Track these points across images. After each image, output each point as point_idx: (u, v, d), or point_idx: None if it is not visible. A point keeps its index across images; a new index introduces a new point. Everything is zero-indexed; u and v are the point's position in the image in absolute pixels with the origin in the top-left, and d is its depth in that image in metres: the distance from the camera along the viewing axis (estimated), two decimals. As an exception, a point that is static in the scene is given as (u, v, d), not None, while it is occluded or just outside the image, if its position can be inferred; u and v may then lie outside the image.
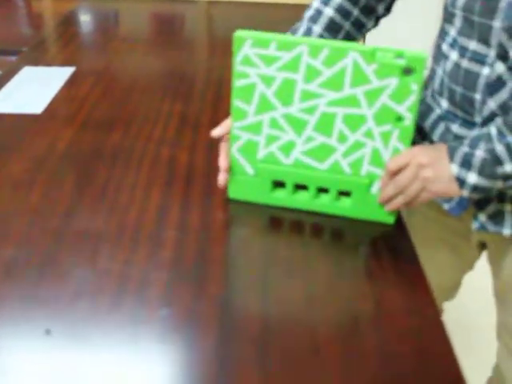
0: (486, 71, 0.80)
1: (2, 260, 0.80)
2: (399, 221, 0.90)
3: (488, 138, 0.76)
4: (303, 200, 0.90)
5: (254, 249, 0.84)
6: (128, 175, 1.00)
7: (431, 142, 0.93)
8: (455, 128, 0.87)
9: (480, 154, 0.75)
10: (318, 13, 0.95)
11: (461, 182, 0.77)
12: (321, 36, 0.93)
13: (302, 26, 0.96)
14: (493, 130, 0.76)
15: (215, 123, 1.18)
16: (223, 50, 1.63)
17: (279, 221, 0.90)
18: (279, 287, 0.77)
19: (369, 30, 0.99)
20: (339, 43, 0.78)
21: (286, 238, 0.86)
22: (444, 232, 1.03)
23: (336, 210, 0.89)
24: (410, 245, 0.86)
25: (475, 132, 0.81)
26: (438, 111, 0.91)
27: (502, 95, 0.80)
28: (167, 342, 0.68)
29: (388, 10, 0.99)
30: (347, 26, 0.95)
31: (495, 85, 0.81)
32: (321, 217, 0.91)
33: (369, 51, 0.77)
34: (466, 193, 0.78)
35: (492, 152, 0.75)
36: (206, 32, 1.81)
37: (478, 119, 0.83)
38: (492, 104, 0.81)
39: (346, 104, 0.81)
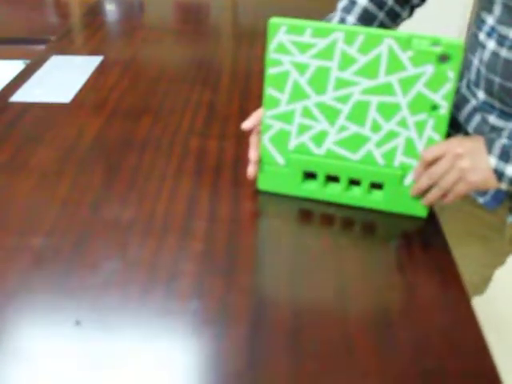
0: None
1: (31, 250, 0.80)
2: (431, 215, 0.88)
3: None
4: (334, 192, 0.88)
5: (284, 240, 0.82)
6: (157, 165, 0.99)
7: (466, 133, 0.90)
8: (492, 119, 0.85)
9: None
10: (352, 3, 0.93)
11: (499, 175, 0.74)
12: None
13: (336, 17, 0.94)
14: None
15: (244, 114, 1.17)
16: (249, 40, 1.61)
17: (309, 213, 0.88)
18: (310, 279, 0.76)
19: (403, 19, 0.96)
20: (375, 30, 0.76)
21: (316, 229, 0.85)
22: (477, 226, 1.01)
23: (367, 202, 0.88)
24: (442, 239, 0.84)
25: None
26: (473, 102, 0.88)
27: None
28: (198, 334, 0.68)
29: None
30: (381, 15, 0.93)
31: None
32: (352, 210, 0.89)
33: (404, 38, 0.75)
34: (504, 186, 0.75)
35: None
36: (232, 21, 1.79)
37: None
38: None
39: (380, 92, 0.79)
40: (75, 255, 0.79)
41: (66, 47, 1.52)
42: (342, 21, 0.92)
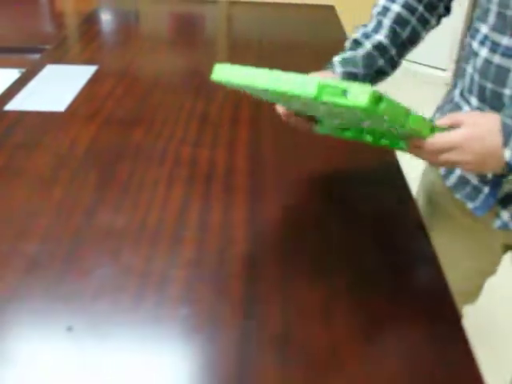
0: None
1: (25, 256, 0.81)
2: (420, 222, 0.90)
3: None
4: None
5: (274, 247, 0.83)
6: (150, 173, 1.00)
7: None
8: None
9: None
10: (386, 9, 0.96)
11: (510, 168, 0.73)
12: (392, 29, 0.95)
13: (373, 22, 0.97)
14: None
15: (236, 123, 1.18)
16: (243, 51, 1.63)
17: (301, 220, 0.89)
18: (299, 286, 0.77)
19: (432, 27, 0.99)
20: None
21: (306, 236, 0.86)
22: (466, 234, 1.03)
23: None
24: (430, 247, 0.85)
25: None
26: (466, 109, 0.90)
27: None
28: (188, 341, 0.69)
29: (448, 9, 0.99)
30: (413, 21, 0.96)
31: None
32: (336, 205, 0.90)
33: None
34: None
35: None
36: (226, 32, 1.81)
37: None
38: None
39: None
40: (68, 262, 0.80)
41: (61, 56, 1.54)
42: (379, 23, 0.96)
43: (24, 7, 2.02)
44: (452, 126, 0.75)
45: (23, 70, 1.45)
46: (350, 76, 0.94)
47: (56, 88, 1.33)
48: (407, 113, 0.68)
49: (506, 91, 0.81)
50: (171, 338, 0.69)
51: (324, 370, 0.65)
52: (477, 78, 0.86)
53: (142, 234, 0.86)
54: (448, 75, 3.58)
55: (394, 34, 0.95)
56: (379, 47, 0.95)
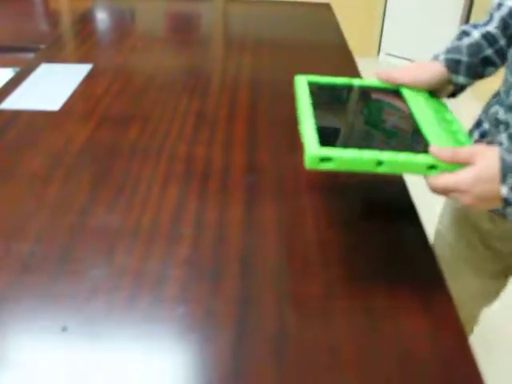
0: None
1: (18, 255, 0.80)
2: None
3: None
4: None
5: (270, 248, 0.83)
6: (145, 172, 1.00)
7: None
8: None
9: None
10: (499, 5, 0.94)
11: (509, 203, 0.71)
12: (503, 20, 0.93)
13: (485, 18, 0.95)
14: None
15: (232, 121, 1.18)
16: (239, 49, 1.62)
17: (298, 218, 0.89)
18: (296, 285, 0.76)
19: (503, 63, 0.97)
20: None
21: (303, 235, 0.85)
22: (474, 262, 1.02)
23: None
24: (430, 251, 0.85)
25: None
26: None
27: None
28: (183, 341, 0.68)
29: None
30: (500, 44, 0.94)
31: None
32: (347, 216, 0.90)
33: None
34: (510, 211, 0.74)
35: None
36: (223, 30, 1.80)
37: None
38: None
39: None
40: (62, 262, 0.79)
41: (55, 55, 1.53)
42: (491, 17, 0.94)
43: (18, 6, 2.01)
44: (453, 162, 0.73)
45: (17, 69, 1.44)
46: (454, 63, 0.91)
47: (50, 87, 1.33)
48: (377, 161, 0.72)
49: None
50: (167, 337, 0.68)
51: (321, 370, 0.65)
52: None
53: (137, 233, 0.85)
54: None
55: (504, 25, 0.92)
56: (487, 37, 0.92)
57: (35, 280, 0.76)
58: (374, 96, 0.90)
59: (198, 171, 1.00)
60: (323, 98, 0.89)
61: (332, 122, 0.82)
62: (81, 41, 1.65)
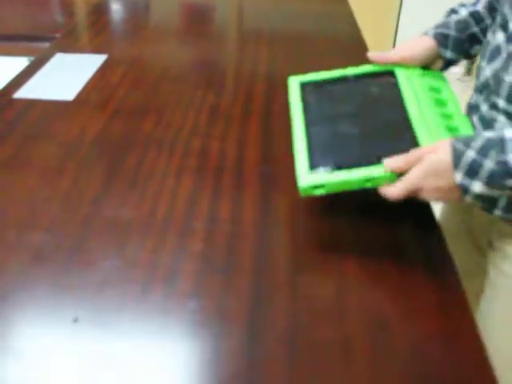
0: (495, 40, 0.83)
1: (31, 246, 0.80)
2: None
3: (501, 146, 0.68)
4: None
5: (284, 242, 0.82)
6: (159, 164, 0.99)
7: None
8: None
9: (489, 165, 0.68)
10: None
11: (464, 190, 0.71)
12: (490, 1, 0.95)
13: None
14: (507, 135, 0.68)
15: (247, 115, 1.17)
16: (255, 42, 1.61)
17: (312, 214, 0.88)
18: (309, 281, 0.75)
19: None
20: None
21: (318, 232, 0.84)
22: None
23: None
24: (444, 249, 0.84)
25: (487, 134, 0.71)
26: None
27: (496, 64, 0.80)
28: (195, 336, 0.67)
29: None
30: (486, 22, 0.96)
31: (493, 52, 0.82)
32: (352, 218, 0.89)
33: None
34: (468, 199, 0.73)
35: (503, 164, 0.67)
36: (238, 22, 1.79)
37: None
38: (488, 71, 0.82)
39: None
40: (74, 253, 0.79)
41: (70, 45, 1.52)
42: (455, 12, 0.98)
43: (34, -5, 2.01)
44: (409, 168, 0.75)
45: (32, 59, 1.44)
46: (442, 37, 0.94)
47: (65, 76, 1.32)
48: (364, 181, 0.77)
49: (482, 63, 0.84)
50: (178, 331, 0.68)
51: (334, 367, 0.64)
52: None
53: (149, 225, 0.84)
54: (461, 70, 3.54)
55: (490, 7, 0.95)
56: (474, 15, 0.95)
57: (46, 270, 0.76)
58: (367, 86, 0.93)
59: (211, 165, 0.99)
60: (315, 99, 0.93)
61: (323, 127, 0.87)
62: (96, 31, 1.64)
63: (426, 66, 0.96)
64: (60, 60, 1.42)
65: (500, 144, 0.68)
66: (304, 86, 0.96)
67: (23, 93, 1.24)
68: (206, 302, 0.72)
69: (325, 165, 0.80)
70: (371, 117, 0.86)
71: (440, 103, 0.89)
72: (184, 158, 1.01)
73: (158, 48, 1.53)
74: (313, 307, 0.72)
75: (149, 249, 0.80)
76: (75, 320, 0.69)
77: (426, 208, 0.90)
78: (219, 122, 1.14)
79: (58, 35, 1.62)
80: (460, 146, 0.71)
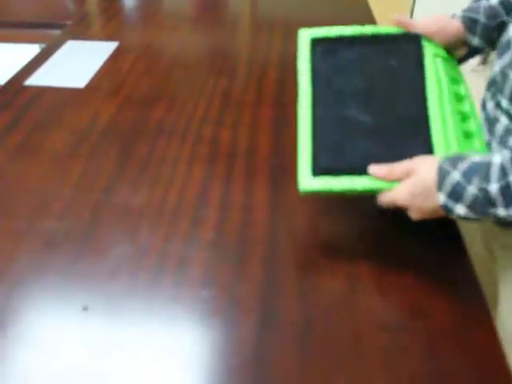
0: (507, 33, 0.78)
1: (42, 233, 0.79)
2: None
3: (486, 173, 0.65)
4: None
5: (296, 231, 0.81)
6: (170, 152, 0.98)
7: None
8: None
9: (472, 190, 0.66)
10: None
11: (448, 210, 0.69)
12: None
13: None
14: (495, 162, 0.65)
15: (259, 103, 1.15)
16: (268, 30, 1.59)
17: (323, 203, 0.87)
18: (321, 272, 0.74)
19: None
20: None
21: (330, 221, 0.83)
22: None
23: None
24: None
25: (476, 157, 0.68)
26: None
27: (505, 59, 0.76)
28: (206, 324, 0.67)
29: None
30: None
31: (504, 47, 0.77)
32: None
33: None
34: (454, 217, 0.71)
35: (485, 192, 0.65)
36: (250, 10, 1.77)
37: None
38: (497, 66, 0.78)
39: None
40: (85, 240, 0.78)
41: (82, 32, 1.51)
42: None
43: (46, -18, 2.00)
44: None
45: (44, 46, 1.43)
46: (471, 22, 0.87)
47: (76, 64, 1.31)
48: (366, 191, 0.74)
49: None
50: (190, 320, 0.67)
51: (345, 358, 0.63)
52: None
53: (161, 213, 0.84)
54: (474, 61, 3.50)
55: None
56: (505, 3, 0.88)
57: (57, 258, 0.76)
58: (387, 55, 0.83)
59: (223, 152, 0.98)
60: (325, 67, 0.83)
61: (331, 111, 0.79)
62: (107, 18, 1.63)
63: (449, 50, 0.89)
64: (71, 47, 1.41)
65: (485, 170, 0.65)
66: (315, 46, 0.85)
67: (34, 80, 1.23)
68: (217, 290, 0.71)
69: (328, 168, 0.75)
70: (386, 100, 0.79)
71: (458, 99, 0.82)
72: (195, 145, 1.00)
73: (169, 35, 1.51)
74: (324, 298, 0.71)
75: (160, 236, 0.79)
76: (85, 308, 0.68)
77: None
78: (231, 110, 1.12)
79: (69, 22, 1.61)
80: (446, 166, 0.68)
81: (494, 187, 0.64)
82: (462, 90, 0.83)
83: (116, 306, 0.69)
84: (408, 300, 0.70)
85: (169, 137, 1.02)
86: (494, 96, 0.80)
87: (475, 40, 0.88)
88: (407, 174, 0.71)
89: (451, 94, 0.81)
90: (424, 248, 0.79)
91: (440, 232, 0.82)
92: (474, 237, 0.98)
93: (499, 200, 0.64)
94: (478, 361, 0.63)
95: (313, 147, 0.77)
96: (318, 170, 0.75)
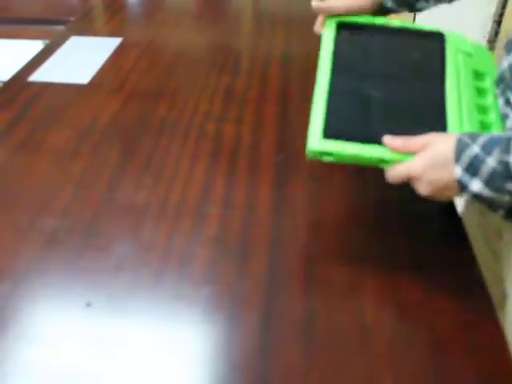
0: None
1: (45, 230, 0.80)
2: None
3: (506, 145, 0.64)
4: None
5: (299, 228, 0.81)
6: (173, 148, 0.98)
7: None
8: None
9: (491, 163, 0.64)
10: None
11: (462, 186, 0.67)
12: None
13: None
14: None
15: (262, 99, 1.15)
16: (270, 26, 1.59)
17: (327, 198, 0.87)
18: (324, 268, 0.74)
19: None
20: None
21: (331, 219, 0.83)
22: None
23: None
24: (464, 239, 0.82)
25: (495, 133, 0.68)
26: None
27: None
28: (209, 320, 0.67)
29: None
30: None
31: (511, 44, 0.76)
32: (377, 208, 0.87)
33: None
34: (466, 196, 0.70)
35: (505, 165, 0.63)
36: (253, 5, 1.77)
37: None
38: (505, 63, 0.77)
39: None
40: (88, 237, 0.79)
41: (85, 28, 1.51)
42: None
43: (49, -22, 2.00)
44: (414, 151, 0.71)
45: (47, 42, 1.43)
46: None
47: (80, 60, 1.31)
48: (375, 160, 0.72)
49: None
50: (192, 316, 0.67)
51: (351, 355, 0.63)
52: None
53: (163, 209, 0.84)
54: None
55: None
56: None
57: (60, 254, 0.76)
58: (409, 47, 0.85)
59: (226, 149, 0.98)
60: (348, 47, 0.84)
61: (349, 80, 0.79)
62: (111, 14, 1.63)
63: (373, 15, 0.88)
64: (75, 43, 1.41)
65: (506, 143, 0.64)
66: (340, 29, 0.86)
67: (38, 76, 1.23)
68: (220, 287, 0.71)
69: (340, 132, 0.73)
70: (404, 86, 0.79)
71: (481, 93, 0.81)
72: (198, 142, 1.00)
73: (172, 31, 1.51)
74: (328, 294, 0.71)
75: (163, 233, 0.79)
76: (88, 304, 0.68)
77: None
78: (234, 106, 1.12)
79: (72, 18, 1.61)
80: (466, 139, 0.67)
81: None
82: (486, 84, 0.82)
83: (119, 303, 0.69)
84: (412, 297, 0.70)
85: (172, 133, 1.02)
86: (503, 93, 0.79)
87: (389, 2, 0.88)
88: (422, 147, 0.70)
89: (471, 88, 0.80)
90: (429, 246, 0.79)
91: (445, 229, 0.82)
92: (475, 236, 0.98)
93: None
94: (482, 357, 0.63)
95: (326, 112, 0.75)
96: (330, 133, 0.73)
